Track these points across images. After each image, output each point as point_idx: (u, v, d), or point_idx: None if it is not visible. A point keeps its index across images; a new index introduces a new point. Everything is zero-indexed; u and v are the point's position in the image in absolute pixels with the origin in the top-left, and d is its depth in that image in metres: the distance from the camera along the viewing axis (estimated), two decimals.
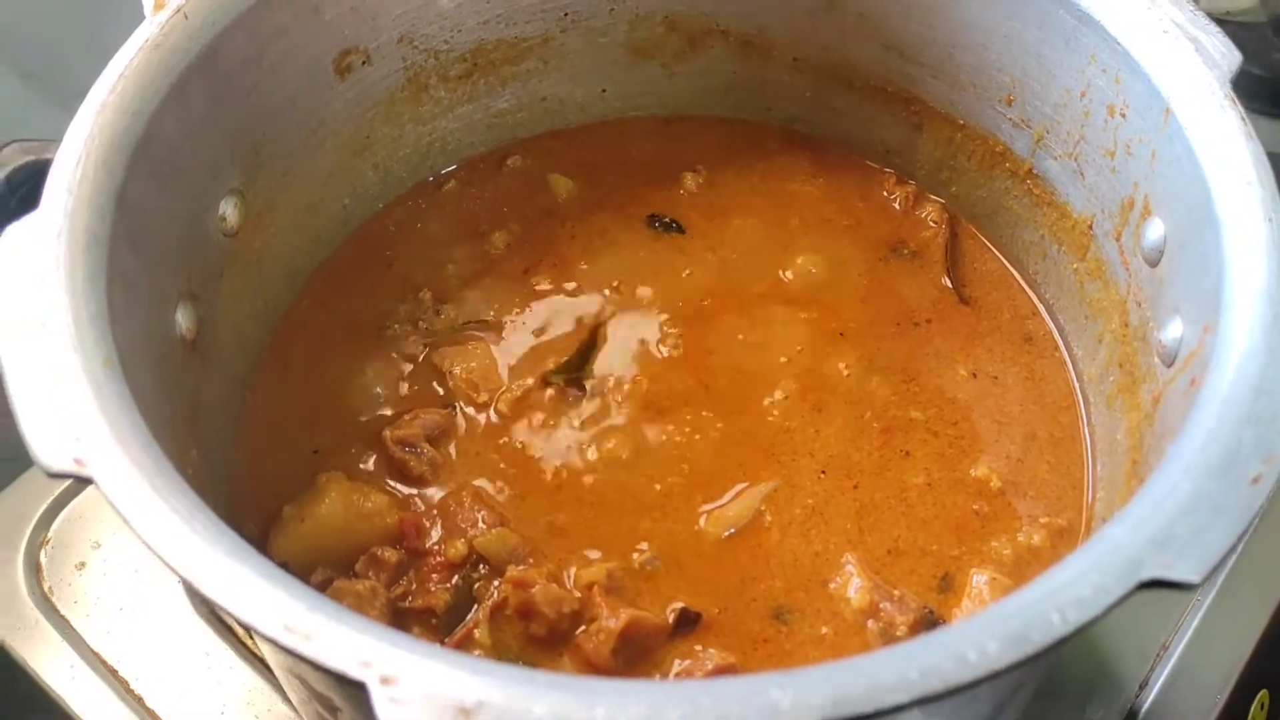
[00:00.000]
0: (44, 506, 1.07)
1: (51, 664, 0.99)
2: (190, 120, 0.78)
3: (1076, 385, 0.91)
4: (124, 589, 1.03)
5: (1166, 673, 0.98)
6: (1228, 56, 0.74)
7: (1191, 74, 0.74)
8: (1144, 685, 0.97)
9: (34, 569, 1.04)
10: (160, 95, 0.75)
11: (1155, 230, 0.78)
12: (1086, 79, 0.83)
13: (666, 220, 1.04)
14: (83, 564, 1.05)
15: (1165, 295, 0.76)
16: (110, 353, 0.63)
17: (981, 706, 0.69)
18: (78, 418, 0.59)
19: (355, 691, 0.51)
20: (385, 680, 0.50)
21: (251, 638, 0.99)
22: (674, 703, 0.49)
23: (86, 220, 0.68)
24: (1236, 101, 0.72)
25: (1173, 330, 0.74)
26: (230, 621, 0.98)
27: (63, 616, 1.02)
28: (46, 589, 1.03)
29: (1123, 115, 0.81)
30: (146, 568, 1.03)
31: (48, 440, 0.58)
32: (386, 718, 0.49)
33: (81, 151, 0.70)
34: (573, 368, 0.94)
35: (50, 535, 1.06)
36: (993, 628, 0.52)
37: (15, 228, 0.67)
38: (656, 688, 0.49)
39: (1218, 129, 0.72)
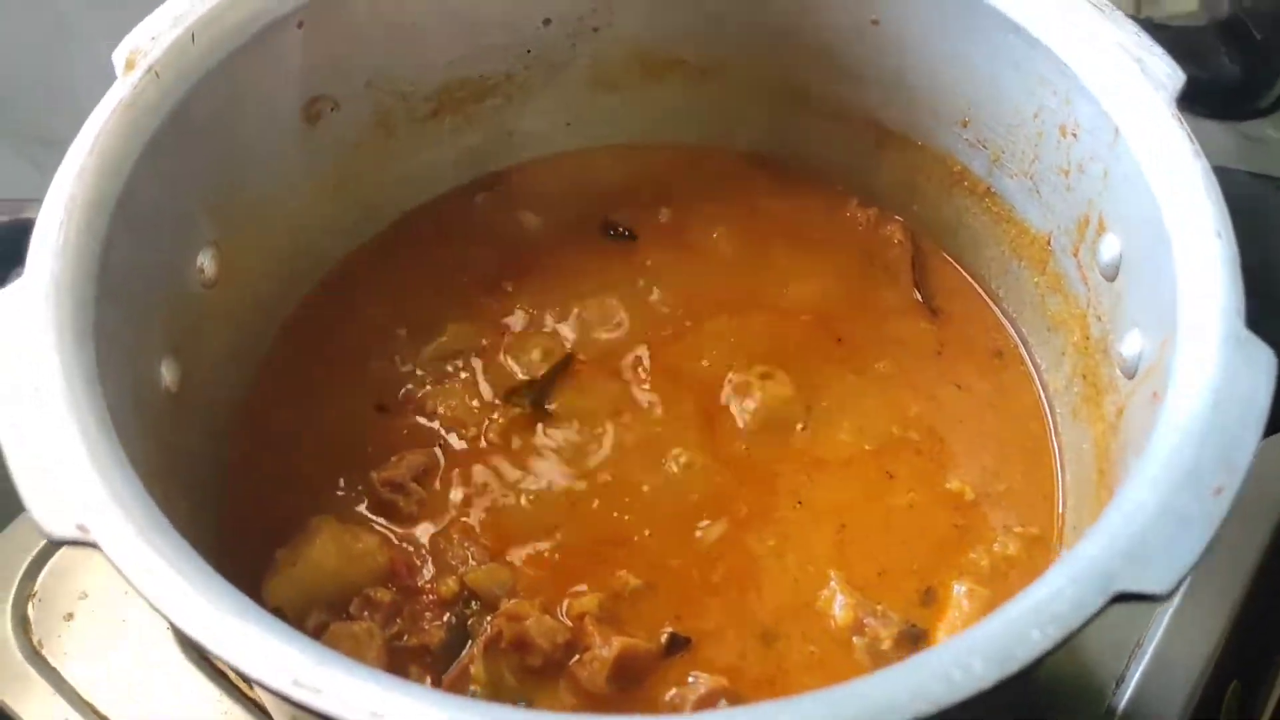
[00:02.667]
0: (29, 560, 1.07)
1: (45, 717, 0.99)
2: (166, 177, 0.79)
3: (1043, 396, 0.94)
4: (113, 638, 1.03)
5: (1142, 669, 1.00)
6: (1173, 77, 0.77)
7: (1138, 95, 0.77)
8: (1120, 682, 1.00)
9: (22, 623, 1.05)
10: (136, 154, 0.76)
11: (1111, 246, 0.81)
12: (1038, 101, 0.86)
13: (621, 229, 1.06)
14: (70, 615, 1.05)
15: (1123, 309, 0.79)
16: (103, 414, 0.64)
17: None
18: (77, 484, 0.60)
19: None
20: None
21: (246, 681, 1.00)
22: None
23: (72, 283, 0.69)
24: (1183, 121, 0.75)
25: (1132, 343, 0.77)
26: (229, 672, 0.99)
27: (53, 668, 1.02)
28: (36, 642, 1.03)
29: (1074, 135, 0.83)
30: (134, 616, 1.03)
31: (50, 508, 0.59)
32: None
33: (63, 214, 0.71)
34: (537, 391, 0.96)
35: (37, 588, 1.06)
36: (976, 647, 0.54)
37: (2, 294, 0.68)
38: None
39: (1165, 148, 0.74)
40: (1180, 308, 0.68)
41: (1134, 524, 0.58)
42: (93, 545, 0.58)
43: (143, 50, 0.79)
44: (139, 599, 1.01)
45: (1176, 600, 1.03)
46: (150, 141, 0.77)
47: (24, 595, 1.06)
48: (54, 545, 0.60)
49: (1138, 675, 1.00)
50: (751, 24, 1.00)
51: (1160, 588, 0.55)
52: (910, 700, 0.52)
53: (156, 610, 0.56)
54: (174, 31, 0.80)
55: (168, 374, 0.81)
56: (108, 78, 0.80)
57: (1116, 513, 0.59)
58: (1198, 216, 0.70)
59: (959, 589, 0.84)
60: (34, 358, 0.64)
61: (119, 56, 0.79)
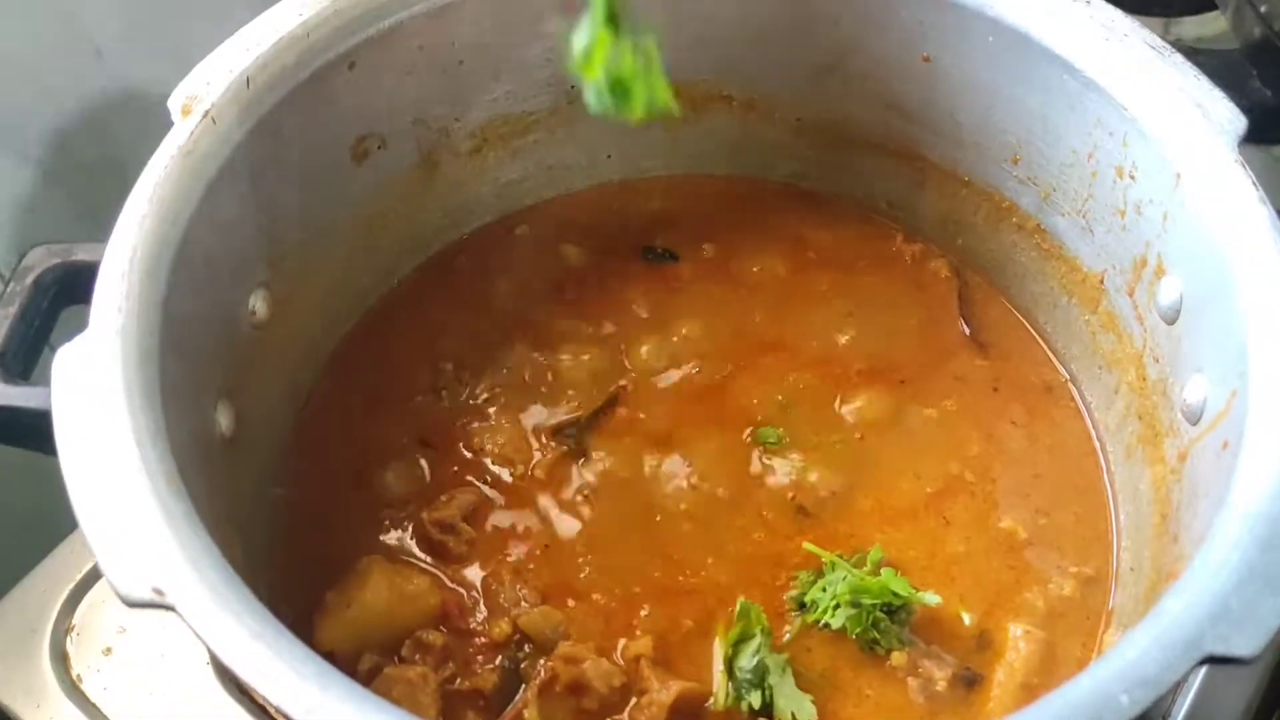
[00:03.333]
0: (66, 593, 1.06)
1: None
2: (222, 222, 0.79)
3: (1094, 434, 0.94)
4: (152, 673, 1.02)
5: (1188, 703, 1.00)
6: (1234, 122, 0.77)
7: (1200, 139, 0.77)
8: (1166, 717, 0.99)
9: (60, 658, 1.04)
10: (195, 201, 0.76)
11: (1170, 289, 0.80)
12: (1093, 141, 0.86)
13: (661, 250, 1.06)
14: (109, 649, 1.04)
15: (1185, 353, 0.79)
16: (171, 470, 0.64)
17: None
18: (151, 545, 0.60)
19: None
20: None
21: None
22: None
23: (137, 335, 0.69)
24: (1247, 166, 0.75)
25: (1195, 389, 0.76)
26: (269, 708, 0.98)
27: (93, 704, 1.01)
28: (75, 677, 1.03)
29: (1131, 177, 0.83)
30: (173, 651, 1.03)
31: (125, 571, 0.59)
32: None
33: (126, 265, 0.71)
34: (582, 429, 0.95)
35: (75, 622, 1.05)
36: (1066, 714, 0.54)
37: (68, 349, 0.67)
38: None
39: (1230, 194, 0.74)
40: (1251, 357, 0.68)
41: (1218, 584, 0.57)
42: (169, 608, 0.58)
43: (198, 96, 0.79)
44: (178, 633, 1.02)
45: None
46: (208, 187, 0.77)
47: (62, 630, 1.05)
48: (129, 607, 0.58)
49: (1184, 709, 1.00)
50: (798, 59, 0.99)
51: (1248, 650, 0.55)
52: None
53: (240, 677, 0.56)
54: (229, 77, 0.80)
55: (222, 419, 0.81)
56: (143, 109, 0.80)
57: (1199, 571, 0.58)
58: (1266, 265, 0.70)
59: (1015, 631, 0.84)
60: (104, 415, 0.64)
61: (175, 103, 0.79)
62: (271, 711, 0.99)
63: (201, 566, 0.60)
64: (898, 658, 0.83)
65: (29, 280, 0.84)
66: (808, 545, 0.87)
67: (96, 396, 0.65)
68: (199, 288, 0.77)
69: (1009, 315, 1.02)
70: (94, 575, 1.07)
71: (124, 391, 0.65)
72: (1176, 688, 0.95)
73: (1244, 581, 0.57)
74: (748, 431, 0.95)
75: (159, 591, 0.58)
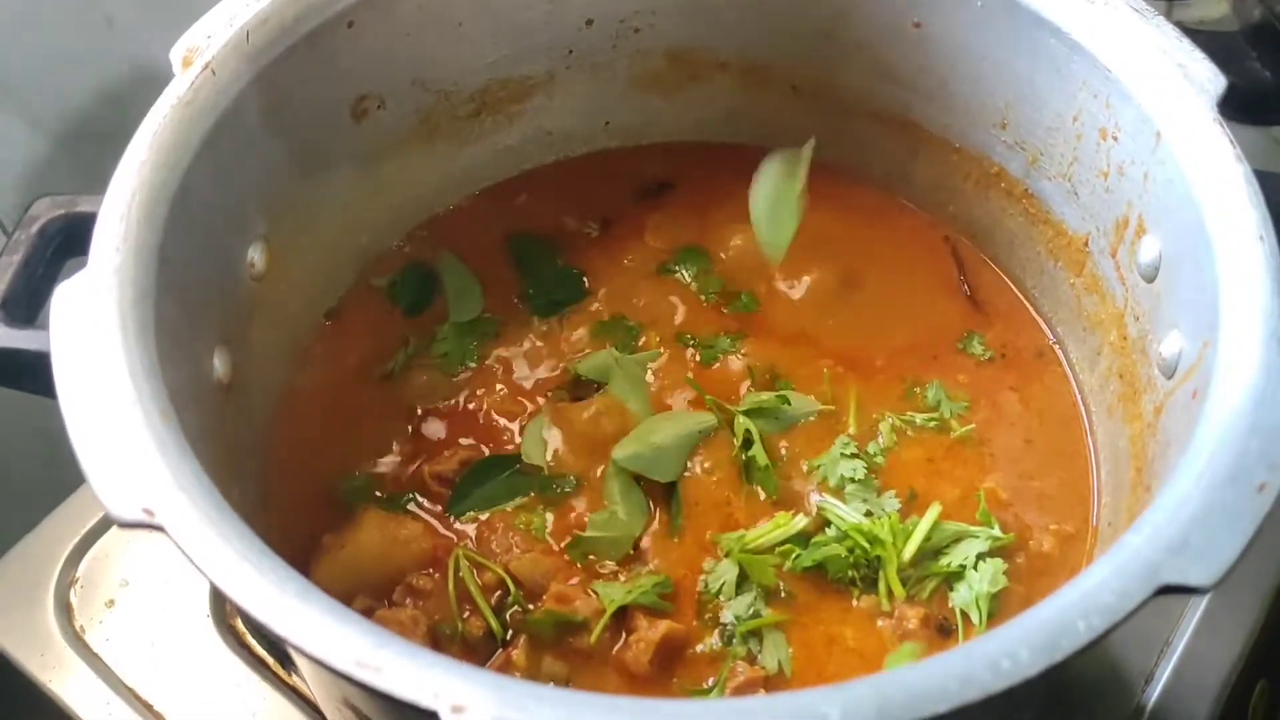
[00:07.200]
0: (70, 547, 1.09)
1: (87, 702, 1.01)
2: (220, 172, 0.81)
3: (1078, 396, 0.95)
4: (154, 625, 1.05)
5: (1170, 669, 1.01)
6: (1214, 81, 0.78)
7: (1180, 99, 0.78)
8: (1149, 681, 1.01)
9: (64, 609, 1.06)
10: (193, 150, 0.78)
11: (1150, 248, 0.82)
12: (1078, 104, 0.87)
13: (656, 185, 1.08)
14: (112, 602, 1.07)
15: (1163, 310, 0.80)
16: (165, 404, 0.66)
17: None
18: (143, 470, 0.62)
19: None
20: (456, 709, 0.53)
21: (284, 668, 1.02)
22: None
23: (133, 275, 0.70)
24: (1225, 125, 0.76)
25: (1171, 344, 0.78)
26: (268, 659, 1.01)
27: (95, 654, 1.03)
28: (78, 628, 1.05)
29: (1114, 139, 0.84)
30: (175, 604, 1.05)
31: (117, 493, 0.60)
32: None
33: (124, 208, 0.73)
34: (584, 389, 0.97)
35: (79, 575, 1.08)
36: (1023, 637, 0.55)
37: (66, 285, 0.69)
38: (717, 706, 0.53)
39: (1208, 152, 0.75)
40: (1223, 309, 0.69)
41: (1179, 517, 0.59)
42: (158, 528, 0.60)
43: (199, 48, 0.81)
44: (179, 587, 1.04)
45: (1205, 600, 1.04)
46: (206, 137, 0.79)
47: (66, 582, 1.07)
48: (120, 528, 0.60)
49: (1166, 673, 1.01)
50: (793, 26, 1.01)
51: (1205, 580, 0.56)
52: (960, 688, 0.53)
53: (223, 592, 0.58)
54: (229, 30, 0.82)
55: (220, 366, 0.82)
56: (152, 77, 0.82)
57: (1161, 507, 0.60)
58: (1240, 220, 0.71)
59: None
60: (99, 348, 0.66)
61: (176, 54, 0.81)
62: (270, 664, 1.02)
63: (190, 490, 0.61)
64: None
65: (34, 230, 0.86)
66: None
67: (93, 330, 0.67)
68: (196, 235, 0.78)
69: (999, 281, 1.03)
70: (98, 530, 1.10)
71: (119, 327, 0.67)
72: (1163, 646, 0.98)
73: (1202, 516, 0.59)
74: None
75: (149, 512, 0.60)
